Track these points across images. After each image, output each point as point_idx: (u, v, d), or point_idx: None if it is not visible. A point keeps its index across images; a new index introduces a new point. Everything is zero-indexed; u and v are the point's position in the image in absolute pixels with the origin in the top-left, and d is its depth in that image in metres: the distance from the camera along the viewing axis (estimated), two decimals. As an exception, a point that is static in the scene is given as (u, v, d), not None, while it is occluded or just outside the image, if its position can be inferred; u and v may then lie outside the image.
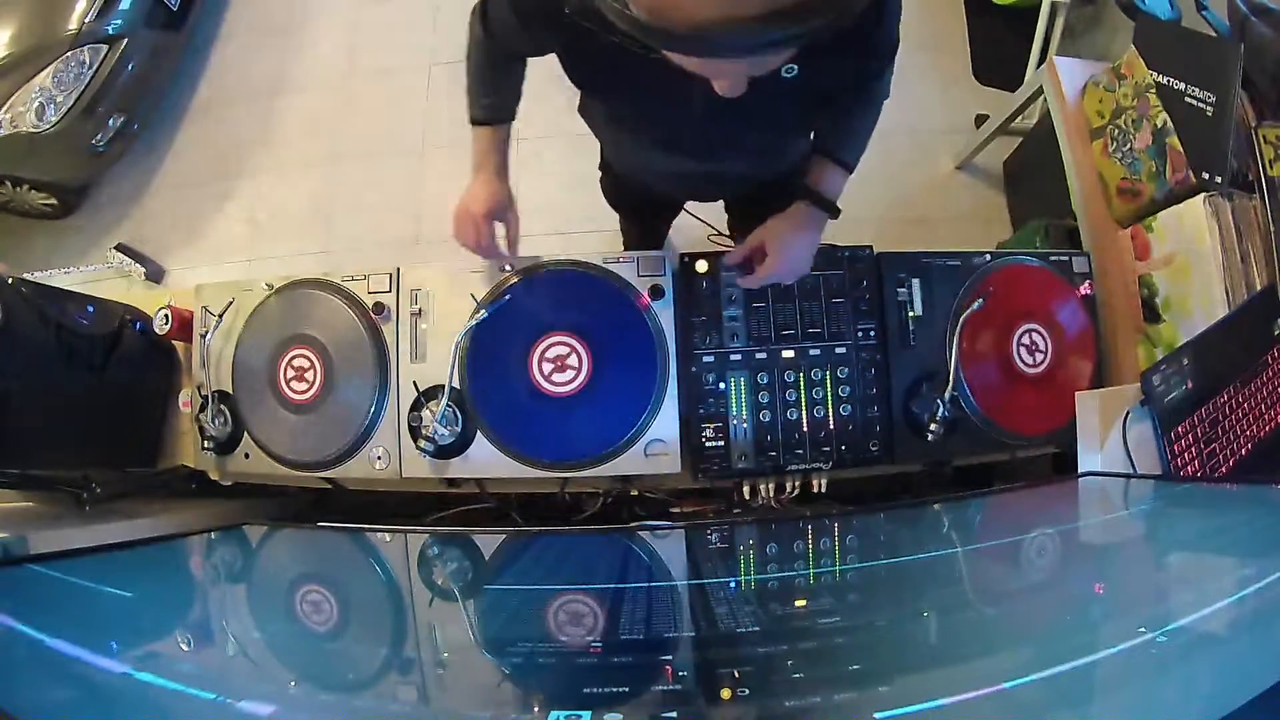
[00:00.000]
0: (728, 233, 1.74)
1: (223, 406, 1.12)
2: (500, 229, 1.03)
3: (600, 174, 1.34)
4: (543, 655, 0.61)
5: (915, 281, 1.13)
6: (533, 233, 2.07)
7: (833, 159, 0.97)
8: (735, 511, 1.13)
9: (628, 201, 1.17)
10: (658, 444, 1.05)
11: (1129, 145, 1.27)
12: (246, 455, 1.12)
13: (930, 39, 2.23)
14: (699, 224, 1.69)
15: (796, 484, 1.10)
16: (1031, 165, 1.90)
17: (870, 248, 1.13)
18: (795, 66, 0.74)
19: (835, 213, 0.99)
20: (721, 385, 1.08)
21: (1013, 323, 1.14)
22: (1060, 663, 0.48)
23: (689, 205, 1.54)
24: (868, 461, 1.09)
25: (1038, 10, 2.03)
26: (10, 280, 1.05)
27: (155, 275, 2.20)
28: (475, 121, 0.99)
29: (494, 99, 0.98)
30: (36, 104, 2.01)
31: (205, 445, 1.13)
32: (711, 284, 1.10)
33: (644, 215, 1.25)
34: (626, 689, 0.53)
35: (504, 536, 1.10)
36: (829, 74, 0.79)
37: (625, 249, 1.71)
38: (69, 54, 2.03)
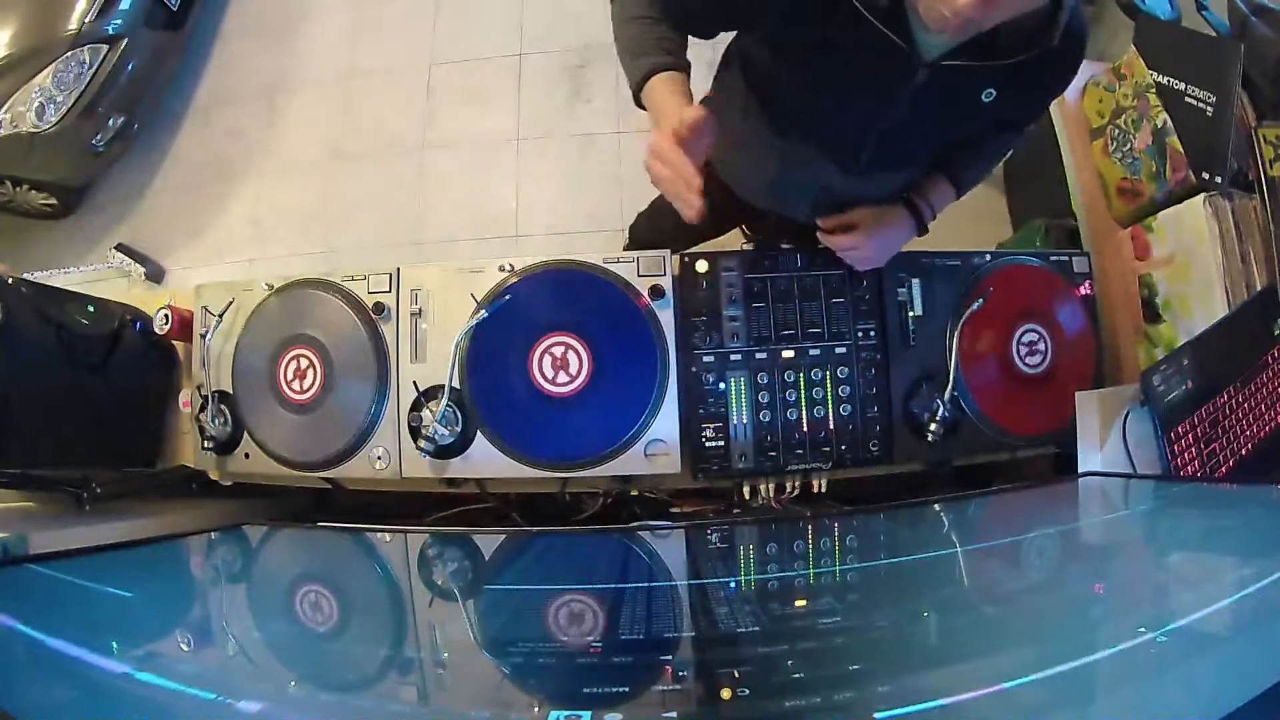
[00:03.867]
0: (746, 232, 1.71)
1: (223, 406, 1.12)
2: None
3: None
4: (543, 655, 0.61)
5: (915, 281, 1.12)
6: (533, 233, 2.08)
7: (952, 180, 1.00)
8: (735, 511, 1.12)
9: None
10: (658, 444, 1.05)
11: (1129, 145, 1.27)
12: (246, 455, 1.12)
13: (930, 39, 2.23)
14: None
15: (796, 484, 1.10)
16: (1031, 165, 1.90)
17: (870, 248, 1.13)
18: (994, 92, 0.76)
19: (924, 230, 1.01)
20: (721, 385, 1.08)
21: (1013, 323, 1.14)
22: (1060, 663, 0.48)
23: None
24: (868, 462, 1.09)
25: (1038, 10, 2.02)
26: (10, 280, 1.05)
27: (155, 275, 2.20)
28: (655, 71, 0.81)
29: (669, 51, 0.83)
30: (36, 104, 2.01)
31: (205, 445, 1.13)
32: (711, 284, 1.10)
33: (700, 228, 1.14)
34: (626, 689, 0.53)
35: (504, 536, 1.10)
36: (1013, 108, 0.81)
37: (653, 234, 1.61)
38: (69, 54, 2.03)
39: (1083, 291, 1.19)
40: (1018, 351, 1.13)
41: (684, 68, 0.83)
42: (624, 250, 1.76)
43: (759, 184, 1.03)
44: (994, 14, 0.63)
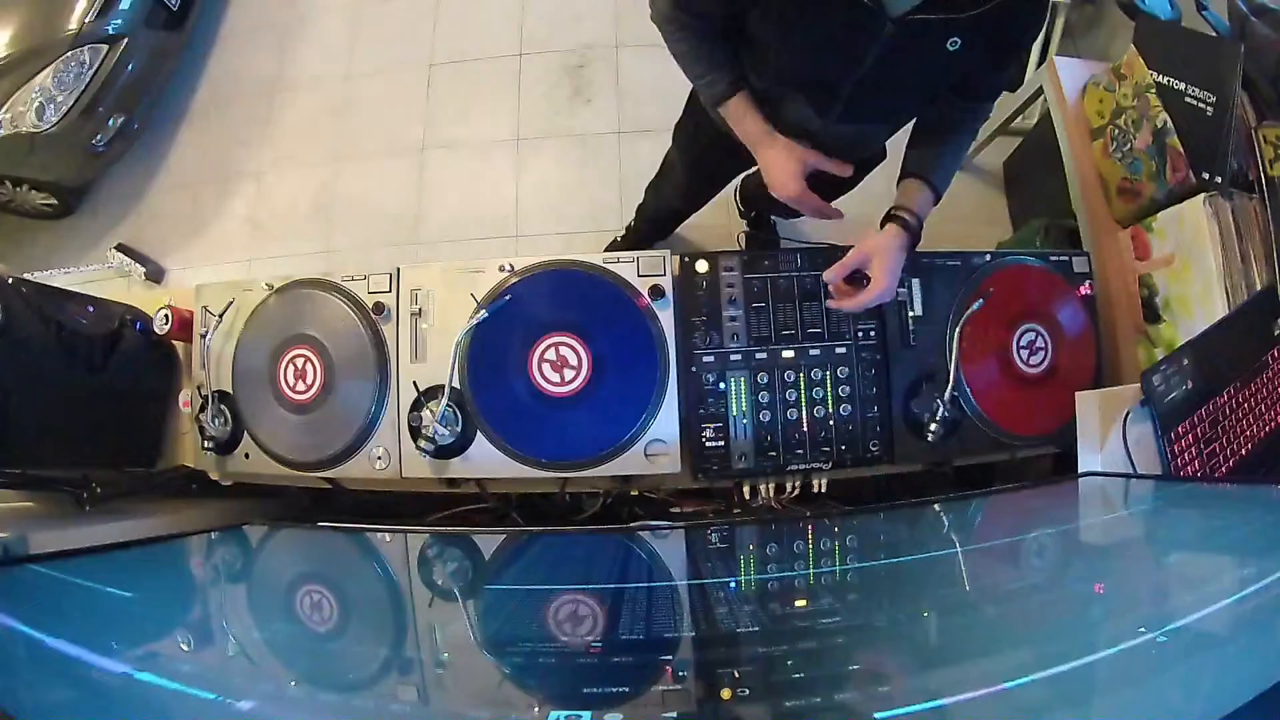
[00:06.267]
0: (741, 208, 1.83)
1: (223, 406, 1.12)
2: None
3: (684, 116, 1.30)
4: (543, 655, 0.61)
5: (915, 281, 1.12)
6: (533, 233, 2.08)
7: (928, 184, 1.01)
8: (735, 511, 1.13)
9: (706, 150, 1.24)
10: (658, 444, 1.05)
11: (1129, 145, 1.27)
12: (246, 455, 1.12)
13: (930, 39, 2.23)
14: (706, 222, 1.72)
15: (796, 484, 1.10)
16: (1031, 165, 1.90)
17: (870, 248, 1.13)
18: (959, 40, 0.80)
19: (917, 239, 1.02)
20: (721, 385, 1.08)
21: (1013, 323, 1.14)
22: (1060, 663, 0.48)
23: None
24: (868, 462, 1.09)
25: (1038, 10, 2.02)
26: (10, 280, 1.05)
27: (155, 275, 2.20)
28: (722, 99, 0.98)
29: (724, 68, 0.97)
30: (36, 104, 2.00)
31: (205, 445, 1.13)
32: (711, 284, 1.10)
33: (709, 170, 1.37)
34: (626, 689, 0.53)
35: (504, 537, 1.10)
36: (978, 61, 0.84)
37: (634, 224, 1.78)
38: (69, 54, 2.03)
39: (1083, 291, 1.19)
40: (1018, 351, 1.13)
41: (743, 83, 0.98)
42: (625, 230, 1.82)
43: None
44: None
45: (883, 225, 1.01)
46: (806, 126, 1.01)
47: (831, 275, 1.02)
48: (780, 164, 1.01)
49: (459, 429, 1.04)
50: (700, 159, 1.34)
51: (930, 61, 0.84)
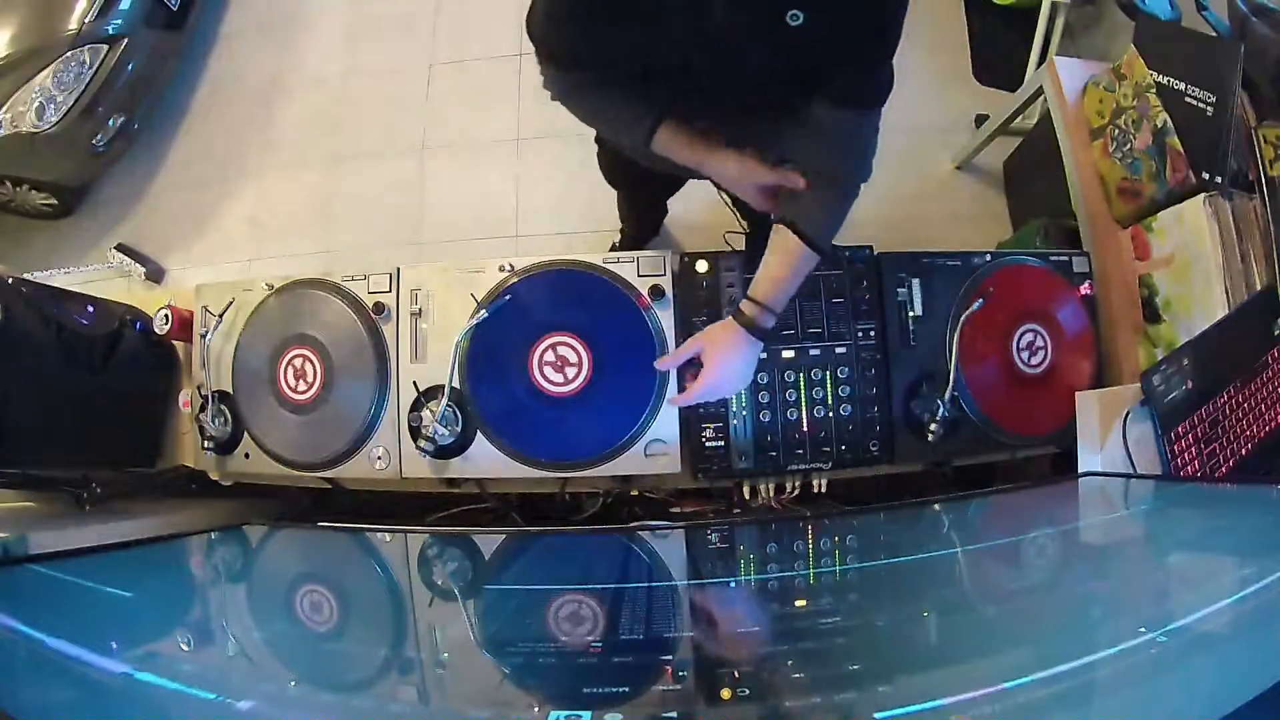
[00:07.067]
0: (734, 208, 1.76)
1: (223, 406, 1.12)
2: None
3: (597, 148, 1.24)
4: (543, 655, 0.61)
5: (915, 281, 1.12)
6: (533, 233, 2.08)
7: (802, 235, 0.86)
8: (735, 511, 1.13)
9: (626, 174, 1.22)
10: (658, 444, 1.05)
11: (1129, 145, 1.27)
12: (246, 455, 1.13)
13: (930, 39, 2.23)
14: (706, 222, 1.71)
15: (796, 484, 1.10)
16: (1031, 165, 1.90)
17: (870, 248, 1.13)
18: (800, 14, 0.71)
19: (765, 336, 0.90)
20: (721, 385, 1.08)
21: (1013, 323, 1.14)
22: (1060, 663, 0.48)
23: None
24: (868, 462, 1.09)
25: (1038, 10, 2.02)
26: (10, 280, 1.05)
27: (155, 275, 2.20)
28: (652, 132, 0.87)
29: (638, 102, 0.88)
30: (36, 104, 2.00)
31: (205, 445, 1.13)
32: (711, 283, 1.10)
33: (642, 188, 1.33)
34: (626, 689, 0.53)
35: (504, 537, 1.10)
36: (829, 38, 0.74)
37: (623, 228, 1.74)
38: (69, 54, 2.03)
39: (1083, 291, 1.19)
40: (1018, 351, 1.13)
41: (665, 112, 0.87)
42: (619, 232, 1.79)
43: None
44: None
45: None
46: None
47: (661, 365, 0.99)
48: (729, 171, 0.89)
49: (459, 429, 1.04)
50: (624, 184, 1.33)
51: (776, 42, 0.74)
